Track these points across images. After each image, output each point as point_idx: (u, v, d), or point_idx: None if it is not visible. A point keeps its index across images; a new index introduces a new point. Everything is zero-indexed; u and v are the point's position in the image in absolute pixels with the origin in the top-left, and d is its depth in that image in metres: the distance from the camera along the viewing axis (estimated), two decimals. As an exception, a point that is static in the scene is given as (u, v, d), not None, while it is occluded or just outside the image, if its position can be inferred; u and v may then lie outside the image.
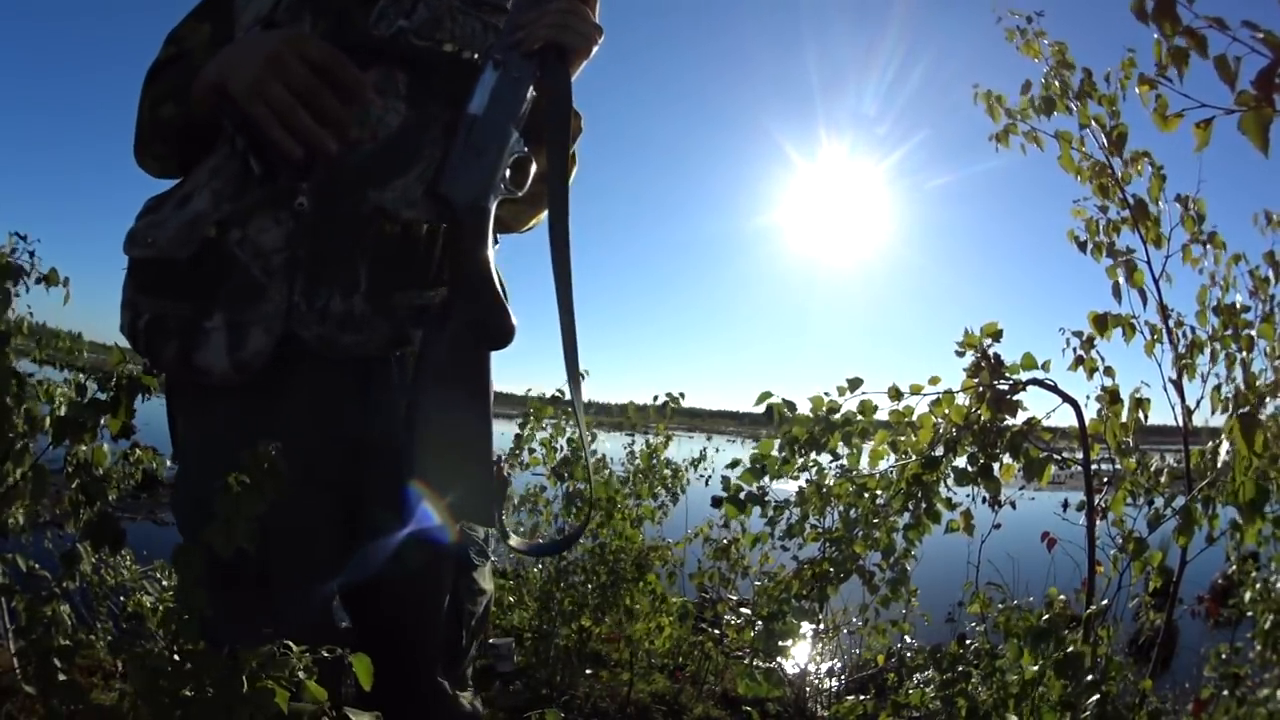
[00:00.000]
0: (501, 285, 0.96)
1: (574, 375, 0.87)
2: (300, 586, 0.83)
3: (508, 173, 0.82)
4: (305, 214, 0.82)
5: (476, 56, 0.88)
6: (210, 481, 0.79)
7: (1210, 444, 1.69)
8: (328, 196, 0.82)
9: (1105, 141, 1.88)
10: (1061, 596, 1.68)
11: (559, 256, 0.85)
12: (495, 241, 1.00)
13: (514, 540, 0.86)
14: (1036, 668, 1.42)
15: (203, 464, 0.86)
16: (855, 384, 1.81)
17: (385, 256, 0.84)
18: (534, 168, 0.86)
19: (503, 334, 0.81)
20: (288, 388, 0.84)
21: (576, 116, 0.94)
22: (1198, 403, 1.87)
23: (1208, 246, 1.87)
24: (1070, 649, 1.32)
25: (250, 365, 0.81)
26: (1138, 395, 1.89)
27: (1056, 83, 1.92)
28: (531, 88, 0.84)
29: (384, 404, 0.87)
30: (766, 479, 1.85)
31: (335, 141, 0.76)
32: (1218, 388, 1.86)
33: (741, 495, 1.79)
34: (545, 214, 1.02)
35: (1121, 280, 1.89)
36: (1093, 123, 1.89)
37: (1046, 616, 1.54)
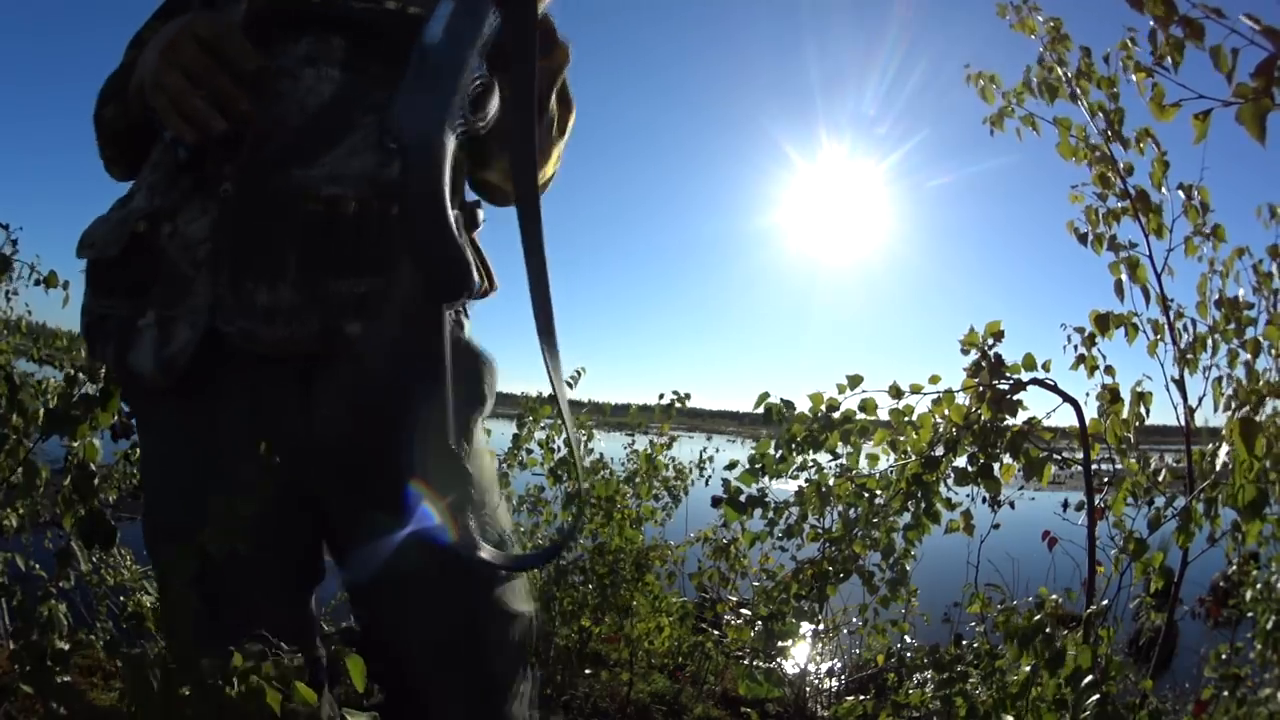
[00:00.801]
0: (479, 253, 0.85)
1: (548, 338, 0.76)
2: (251, 599, 0.79)
3: (468, 102, 0.71)
4: (230, 199, 0.75)
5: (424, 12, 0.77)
6: (152, 491, 0.79)
7: (1210, 446, 1.69)
8: (252, 178, 0.75)
9: (1109, 129, 1.85)
10: (1053, 596, 1.68)
11: (525, 202, 0.74)
12: (478, 208, 0.88)
13: (485, 552, 0.77)
14: (1029, 668, 1.42)
15: (147, 472, 0.85)
16: (855, 381, 1.81)
17: (316, 240, 0.75)
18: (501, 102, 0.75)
19: (458, 282, 0.68)
20: (224, 389, 0.78)
21: (560, 47, 0.84)
22: (1199, 400, 1.86)
23: (1210, 239, 1.85)
24: (1058, 644, 1.32)
25: (174, 364, 0.75)
26: (1139, 389, 1.88)
27: (1054, 62, 1.89)
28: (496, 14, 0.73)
29: (326, 402, 0.79)
30: (766, 479, 1.85)
31: (223, 120, 0.72)
32: (1219, 380, 1.85)
33: (742, 498, 1.79)
34: (550, 170, 0.94)
35: (1124, 277, 1.87)
36: (1099, 113, 1.86)
37: (1037, 617, 1.54)
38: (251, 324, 0.74)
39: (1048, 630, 1.39)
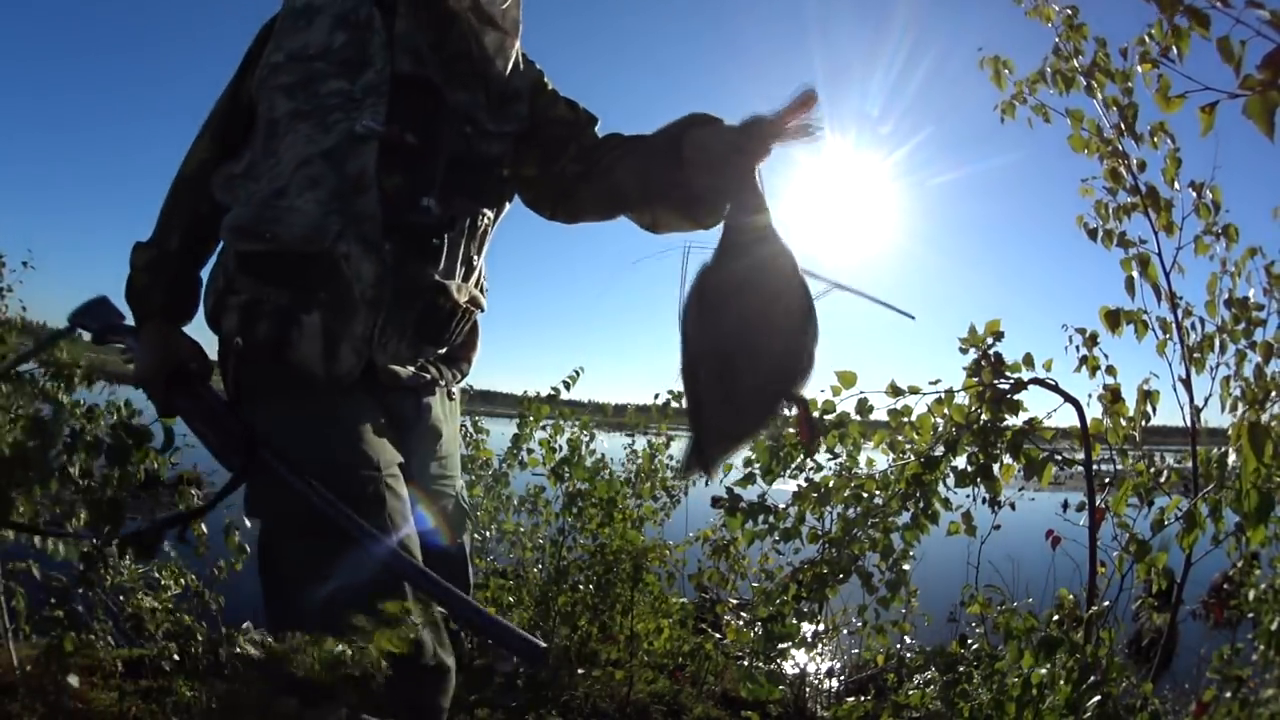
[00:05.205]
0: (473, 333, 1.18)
1: None
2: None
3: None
4: (389, 264, 0.98)
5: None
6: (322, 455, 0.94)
7: (1216, 451, 1.68)
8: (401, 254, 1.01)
9: (1122, 124, 1.82)
10: (1071, 596, 1.67)
11: None
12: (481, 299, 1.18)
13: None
14: (1045, 671, 1.41)
15: (301, 433, 0.98)
16: (848, 380, 1.78)
17: (427, 318, 1.06)
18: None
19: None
20: (363, 394, 1.01)
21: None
22: (1206, 400, 1.84)
23: (1221, 238, 1.83)
24: (1088, 660, 1.31)
25: (341, 381, 0.98)
26: (1146, 388, 1.87)
27: (1070, 53, 1.85)
28: None
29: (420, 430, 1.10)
30: (763, 484, 1.84)
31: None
32: (1227, 379, 1.83)
33: (742, 505, 1.78)
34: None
35: (1135, 274, 1.85)
36: (1114, 107, 1.83)
37: (1056, 618, 1.54)
38: (386, 362, 1.02)
39: (1074, 641, 1.38)
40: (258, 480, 0.95)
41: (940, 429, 1.79)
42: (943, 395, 1.79)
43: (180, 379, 1.02)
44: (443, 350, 1.12)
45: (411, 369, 1.06)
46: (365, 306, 0.97)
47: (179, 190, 1.10)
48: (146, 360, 1.03)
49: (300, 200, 0.97)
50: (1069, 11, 1.87)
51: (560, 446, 3.00)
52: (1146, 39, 1.58)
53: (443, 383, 1.13)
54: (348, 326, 0.97)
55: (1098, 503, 1.71)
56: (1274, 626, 1.59)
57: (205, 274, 1.11)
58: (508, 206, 1.18)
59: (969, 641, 1.87)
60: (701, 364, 0.69)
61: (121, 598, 2.30)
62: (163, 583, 2.32)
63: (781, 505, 1.90)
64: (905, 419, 1.83)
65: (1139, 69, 1.64)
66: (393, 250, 0.99)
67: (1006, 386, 1.74)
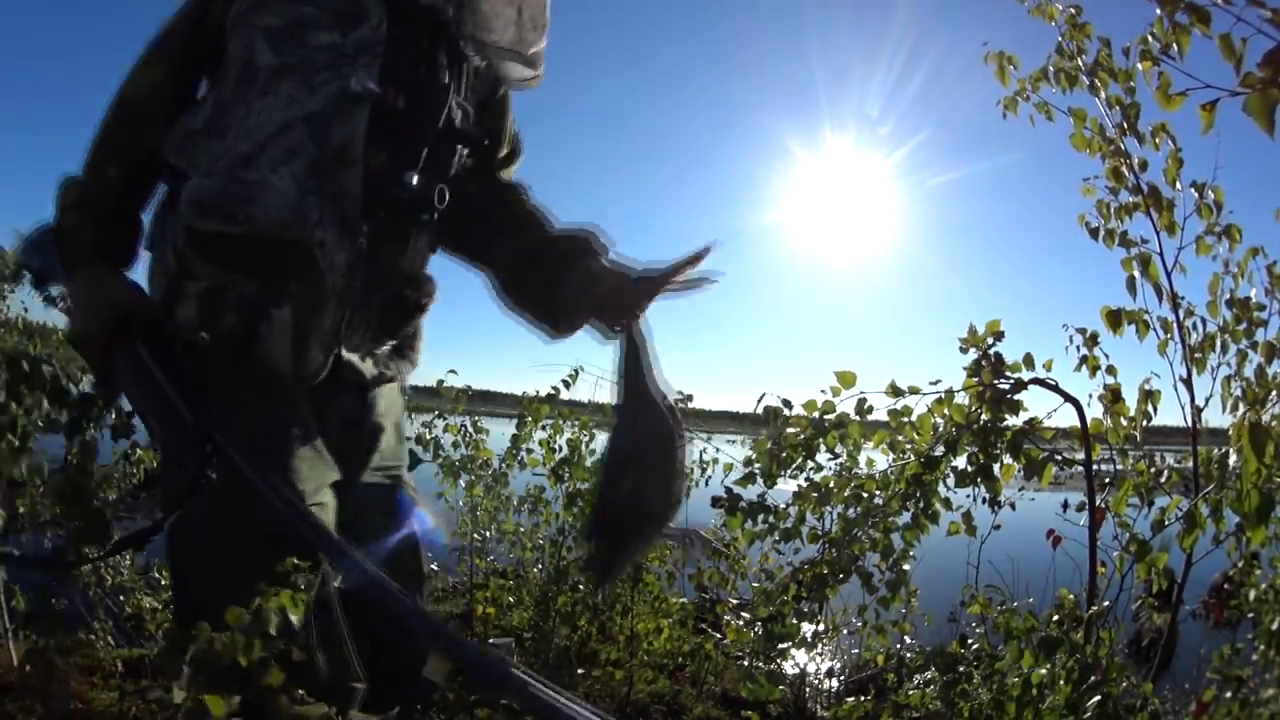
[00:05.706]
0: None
1: None
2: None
3: None
4: (362, 254, 0.91)
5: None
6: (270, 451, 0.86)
7: (1217, 451, 1.68)
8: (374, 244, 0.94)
9: (1125, 123, 1.82)
10: (1071, 596, 1.67)
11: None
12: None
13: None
14: (1045, 671, 1.41)
15: (261, 433, 0.89)
16: (848, 380, 1.78)
17: (388, 309, 1.00)
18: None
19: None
20: (325, 391, 0.94)
21: None
22: (1207, 400, 1.84)
23: (1223, 239, 1.82)
24: (1088, 660, 1.31)
25: (309, 380, 0.91)
26: (1147, 388, 1.87)
27: (1073, 50, 1.85)
28: None
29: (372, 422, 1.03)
30: (763, 484, 1.84)
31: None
32: (1228, 379, 1.83)
33: (742, 504, 1.78)
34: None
35: (1137, 274, 1.85)
36: (1116, 106, 1.83)
37: (1056, 618, 1.54)
38: (350, 357, 0.95)
39: (1074, 642, 1.38)
40: (201, 481, 0.81)
41: (940, 429, 1.79)
42: (943, 395, 1.79)
43: (122, 335, 0.86)
44: (395, 342, 1.05)
45: (372, 365, 0.99)
46: (335, 298, 0.89)
47: (121, 116, 0.93)
48: (82, 313, 0.87)
49: (274, 175, 0.86)
50: (1073, 10, 1.87)
51: (560, 447, 3.01)
52: (1149, 37, 1.58)
53: (397, 377, 1.05)
54: (318, 320, 0.88)
55: (1098, 503, 1.71)
56: (1274, 626, 1.59)
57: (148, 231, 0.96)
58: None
59: (969, 641, 1.87)
60: (638, 507, 0.87)
61: (121, 598, 2.30)
62: (163, 583, 2.32)
63: (781, 505, 1.90)
64: (905, 419, 1.83)
65: (1140, 67, 1.64)
66: (368, 233, 0.90)
67: (1006, 386, 1.74)
